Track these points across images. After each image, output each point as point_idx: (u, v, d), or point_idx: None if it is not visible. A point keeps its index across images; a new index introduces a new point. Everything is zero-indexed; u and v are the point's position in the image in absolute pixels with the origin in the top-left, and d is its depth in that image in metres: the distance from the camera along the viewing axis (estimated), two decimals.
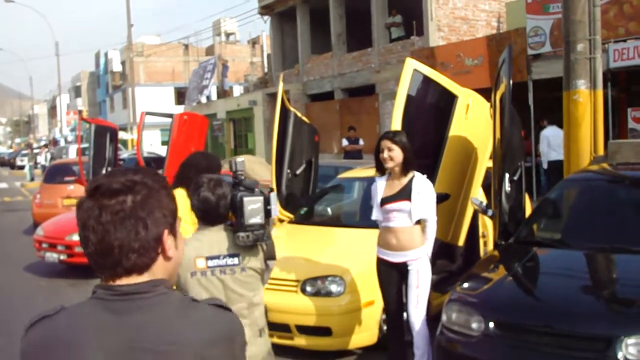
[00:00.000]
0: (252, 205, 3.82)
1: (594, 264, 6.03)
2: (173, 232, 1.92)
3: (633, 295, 5.28)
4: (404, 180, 5.90)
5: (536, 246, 6.44)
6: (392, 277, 6.10)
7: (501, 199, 6.51)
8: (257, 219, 3.83)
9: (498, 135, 6.67)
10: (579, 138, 11.02)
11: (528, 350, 4.98)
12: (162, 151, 23.34)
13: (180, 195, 5.06)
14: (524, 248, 6.38)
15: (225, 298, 3.73)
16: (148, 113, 13.08)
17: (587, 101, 10.84)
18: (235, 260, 3.92)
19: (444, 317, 5.54)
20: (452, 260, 7.61)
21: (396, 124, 6.69)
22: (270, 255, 4.04)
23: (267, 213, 3.87)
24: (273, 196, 3.90)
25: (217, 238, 3.96)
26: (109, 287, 1.86)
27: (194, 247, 3.89)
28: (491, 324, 5.15)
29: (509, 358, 5.04)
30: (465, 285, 5.78)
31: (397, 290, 6.15)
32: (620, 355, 4.60)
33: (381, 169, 6.09)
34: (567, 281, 5.70)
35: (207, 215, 4.00)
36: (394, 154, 5.86)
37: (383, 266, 6.14)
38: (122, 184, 1.84)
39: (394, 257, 5.96)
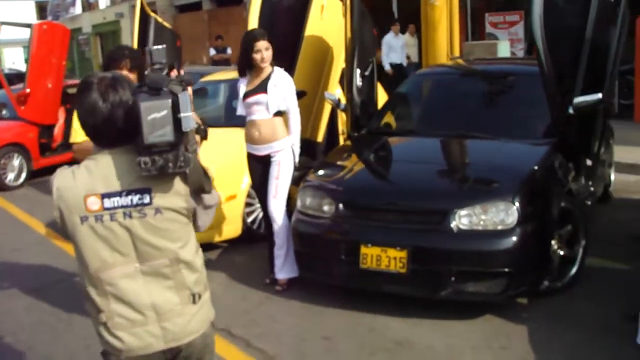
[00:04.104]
0: (154, 114, 2.48)
1: (437, 148, 6.55)
2: None
3: (466, 174, 5.87)
4: (264, 75, 6.07)
5: (386, 136, 6.93)
6: (258, 169, 6.29)
7: (352, 93, 6.93)
8: (163, 135, 2.49)
9: (349, 33, 7.02)
10: (435, 40, 11.58)
11: (374, 227, 5.47)
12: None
13: None
14: (374, 138, 6.88)
15: (135, 252, 2.64)
16: (3, 23, 12.76)
17: (443, 5, 11.35)
18: (146, 198, 2.62)
19: (298, 203, 5.96)
20: (313, 157, 7.98)
21: (253, 24, 6.94)
22: (199, 187, 2.74)
23: (177, 125, 2.51)
24: (184, 97, 2.51)
25: (118, 166, 2.63)
26: None
27: (82, 180, 2.63)
28: (341, 205, 5.59)
29: (357, 234, 5.51)
30: (319, 172, 6.21)
31: (263, 182, 6.27)
32: (453, 224, 5.18)
33: (243, 71, 6.20)
34: (411, 165, 6.25)
35: (98, 133, 2.67)
36: (270, 53, 6.00)
37: (251, 160, 6.32)
38: None
39: (259, 150, 6.15)
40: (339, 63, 8.11)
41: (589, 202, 7.01)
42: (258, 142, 6.08)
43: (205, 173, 2.76)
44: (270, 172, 6.11)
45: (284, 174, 6.11)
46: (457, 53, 11.81)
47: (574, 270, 5.83)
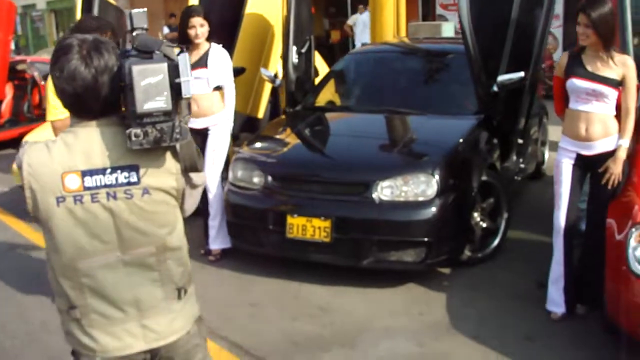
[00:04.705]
0: (148, 79, 2.17)
1: (366, 124, 6.73)
2: None
3: (391, 148, 6.07)
4: (201, 51, 6.19)
5: (320, 112, 7.11)
6: (197, 142, 6.40)
7: (288, 69, 7.10)
8: (159, 103, 2.19)
9: (285, 11, 7.19)
10: (382, 21, 11.75)
11: (301, 198, 5.66)
12: None
13: None
14: (308, 113, 7.05)
15: (118, 239, 2.30)
16: None
17: None
18: (133, 177, 2.29)
19: (230, 175, 6.12)
20: (253, 133, 8.13)
21: (193, 0, 7.07)
22: (191, 164, 2.44)
23: (177, 90, 2.23)
24: (183, 60, 2.24)
25: (101, 140, 2.28)
26: None
27: (59, 156, 2.26)
28: (269, 178, 5.76)
29: (284, 205, 5.68)
30: (250, 145, 6.37)
31: (201, 155, 6.42)
32: (375, 195, 5.37)
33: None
34: (339, 139, 6.47)
35: (80, 103, 2.28)
36: (205, 29, 6.13)
37: (191, 134, 6.42)
38: None
39: (197, 124, 6.19)
40: (279, 41, 8.25)
41: (519, 178, 7.27)
42: (197, 115, 6.17)
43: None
44: (208, 144, 6.21)
45: (221, 146, 6.24)
46: (403, 33, 12.00)
47: (495, 242, 6.09)
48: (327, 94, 7.58)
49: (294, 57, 7.15)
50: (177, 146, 2.33)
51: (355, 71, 7.95)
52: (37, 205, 2.25)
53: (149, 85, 2.17)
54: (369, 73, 7.80)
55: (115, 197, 2.27)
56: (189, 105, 2.38)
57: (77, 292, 2.29)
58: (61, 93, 2.28)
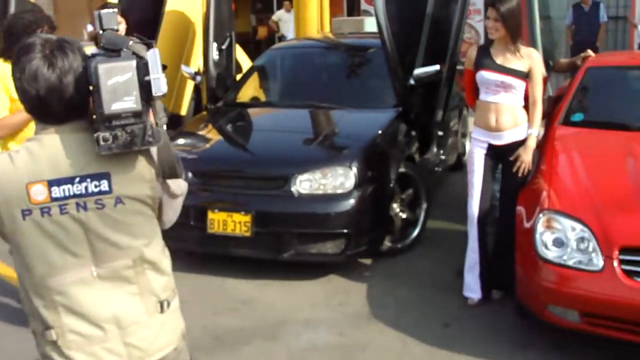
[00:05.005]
0: (115, 78, 2.00)
1: (286, 119, 6.78)
2: None
3: (310, 142, 6.14)
4: None
5: (241, 107, 7.15)
6: None
7: (209, 66, 7.13)
8: (127, 103, 2.01)
9: (205, 8, 7.22)
10: (306, 16, 11.85)
11: (222, 193, 5.70)
12: None
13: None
14: (229, 109, 7.09)
15: (91, 252, 2.13)
16: None
17: None
18: (104, 185, 2.11)
19: None
20: (175, 129, 8.13)
21: None
22: (170, 169, 2.22)
23: (147, 89, 2.03)
24: (153, 56, 2.04)
25: (68, 147, 2.10)
26: None
27: (23, 165, 2.09)
28: (190, 174, 5.77)
29: (205, 200, 5.69)
30: (172, 141, 6.33)
31: None
32: (294, 189, 5.44)
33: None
34: (259, 134, 6.52)
35: (43, 106, 2.10)
36: (122, 27, 6.09)
37: None
38: None
39: None
40: (200, 37, 8.26)
41: (439, 169, 7.43)
42: None
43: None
44: None
45: None
46: (327, 29, 12.12)
47: (415, 232, 6.22)
48: (249, 90, 7.62)
49: (214, 54, 7.19)
50: (154, 150, 2.15)
51: (276, 67, 8.00)
52: (2, 219, 2.08)
53: (116, 84, 1.99)
54: (290, 68, 7.88)
55: (85, 208, 2.09)
56: (166, 109, 2.20)
57: (51, 312, 2.12)
58: (23, 95, 2.10)
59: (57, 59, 2.06)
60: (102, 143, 2.00)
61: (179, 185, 2.33)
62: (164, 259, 2.31)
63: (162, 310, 2.26)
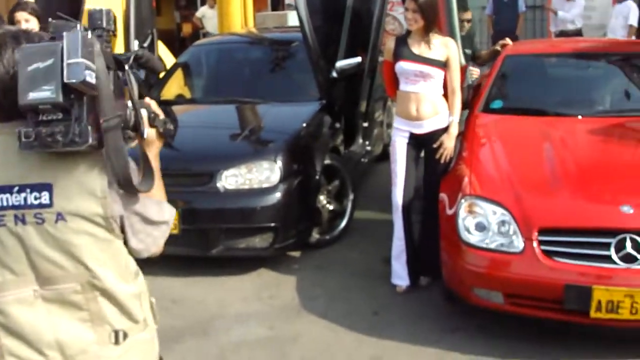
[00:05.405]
0: (37, 64, 1.70)
1: (211, 115, 6.76)
2: None
3: (235, 137, 6.13)
4: None
5: (165, 105, 7.08)
6: None
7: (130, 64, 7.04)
8: (45, 92, 1.69)
9: (124, 6, 7.13)
10: (229, 13, 11.84)
11: None
12: None
13: None
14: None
15: (32, 270, 1.88)
16: None
17: None
18: (44, 197, 1.83)
19: None
20: None
21: None
22: (125, 180, 1.86)
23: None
24: (71, 37, 1.69)
25: (8, 151, 1.84)
26: None
27: None
28: None
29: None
30: None
31: None
32: (219, 185, 5.43)
33: None
34: (183, 131, 6.36)
35: None
36: (32, 25, 5.96)
37: None
38: None
39: None
40: (120, 35, 8.16)
41: (365, 160, 7.50)
42: None
43: (148, 170, 2.02)
44: None
45: None
46: (250, 24, 12.12)
47: (343, 223, 6.27)
48: (173, 87, 7.56)
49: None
50: (104, 156, 1.81)
51: (200, 63, 7.95)
52: None
53: (36, 70, 1.68)
54: (214, 64, 7.84)
55: (24, 221, 1.82)
56: (165, 127, 2.06)
57: None
58: None
59: (6, 52, 1.83)
60: (23, 139, 1.73)
61: (161, 210, 2.04)
62: (128, 287, 1.98)
63: (116, 341, 1.97)
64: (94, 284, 1.89)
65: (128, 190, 1.87)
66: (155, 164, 2.08)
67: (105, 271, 1.90)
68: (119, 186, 1.85)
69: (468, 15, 7.17)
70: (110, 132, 1.77)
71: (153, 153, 2.08)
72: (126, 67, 1.98)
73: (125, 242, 1.96)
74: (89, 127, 1.72)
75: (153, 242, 2.03)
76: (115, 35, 1.99)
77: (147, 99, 2.08)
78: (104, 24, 1.97)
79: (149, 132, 2.04)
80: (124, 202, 1.89)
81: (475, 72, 6.34)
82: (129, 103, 1.96)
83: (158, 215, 2.02)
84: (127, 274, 1.99)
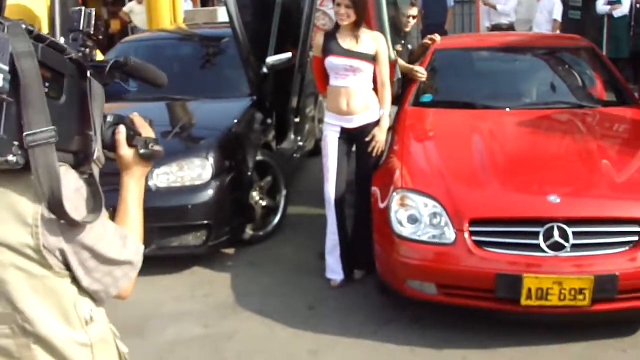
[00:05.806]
0: None
1: (139, 112, 6.57)
2: None
3: (164, 135, 5.97)
4: None
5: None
6: None
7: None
8: None
9: (49, 2, 6.96)
10: (158, 9, 11.70)
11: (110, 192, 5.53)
12: None
13: None
14: None
15: None
16: None
17: None
18: None
19: None
20: None
21: None
22: (55, 202, 1.46)
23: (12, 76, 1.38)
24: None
25: None
26: None
27: None
28: None
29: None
30: None
31: None
32: (151, 183, 5.33)
33: None
34: None
35: None
36: None
37: None
38: None
39: None
40: (46, 33, 8.00)
41: (298, 156, 7.51)
42: None
43: (96, 194, 1.71)
44: None
45: None
46: (180, 20, 12.00)
47: (276, 219, 6.27)
48: None
49: None
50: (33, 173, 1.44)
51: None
52: None
53: None
54: (143, 61, 7.75)
55: None
56: (148, 151, 1.82)
57: None
58: None
59: None
60: None
61: (124, 247, 1.71)
62: (72, 338, 1.62)
63: None
64: (24, 329, 1.55)
65: (61, 217, 1.49)
66: (135, 191, 1.86)
67: (40, 314, 1.55)
68: (49, 211, 1.48)
69: (414, 10, 7.06)
70: (38, 147, 1.43)
71: (132, 178, 1.85)
72: (88, 74, 1.66)
73: (76, 281, 1.61)
74: (7, 141, 1.40)
75: (113, 283, 1.68)
76: (98, 39, 1.76)
77: (133, 114, 1.86)
78: (82, 26, 1.74)
79: (125, 153, 1.80)
80: (65, 234, 1.53)
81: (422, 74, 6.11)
82: (109, 117, 1.76)
83: (118, 252, 1.67)
84: (73, 318, 1.61)
